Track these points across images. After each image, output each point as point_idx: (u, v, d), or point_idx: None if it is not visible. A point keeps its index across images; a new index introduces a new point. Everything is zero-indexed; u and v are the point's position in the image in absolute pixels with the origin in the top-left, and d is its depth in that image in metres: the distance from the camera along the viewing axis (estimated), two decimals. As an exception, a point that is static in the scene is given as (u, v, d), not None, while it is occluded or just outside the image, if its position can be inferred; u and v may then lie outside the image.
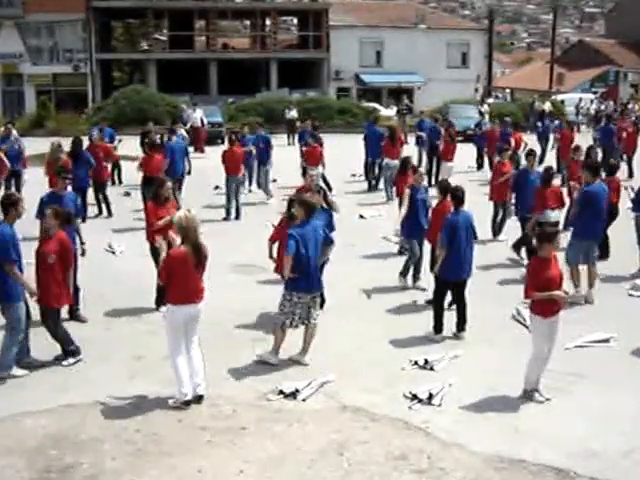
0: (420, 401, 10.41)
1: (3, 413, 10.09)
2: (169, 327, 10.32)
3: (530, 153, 18.66)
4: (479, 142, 32.06)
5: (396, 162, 24.20)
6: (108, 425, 9.80)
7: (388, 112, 51.27)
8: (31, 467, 8.88)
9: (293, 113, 44.56)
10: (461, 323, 13.04)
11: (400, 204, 15.86)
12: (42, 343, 11.44)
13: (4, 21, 59.78)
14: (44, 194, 14.40)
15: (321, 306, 12.33)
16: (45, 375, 10.00)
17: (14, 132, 27.71)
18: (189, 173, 23.25)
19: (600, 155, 26.19)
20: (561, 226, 15.36)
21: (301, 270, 11.38)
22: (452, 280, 12.95)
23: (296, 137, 34.41)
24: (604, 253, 16.58)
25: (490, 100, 58.38)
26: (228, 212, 22.10)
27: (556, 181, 18.05)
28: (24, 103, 59.61)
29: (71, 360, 11.51)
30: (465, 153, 31.96)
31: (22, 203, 11.26)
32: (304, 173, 16.99)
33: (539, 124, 36.98)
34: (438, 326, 12.94)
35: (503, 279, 15.11)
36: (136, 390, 10.63)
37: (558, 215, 15.80)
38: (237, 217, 22.18)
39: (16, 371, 11.04)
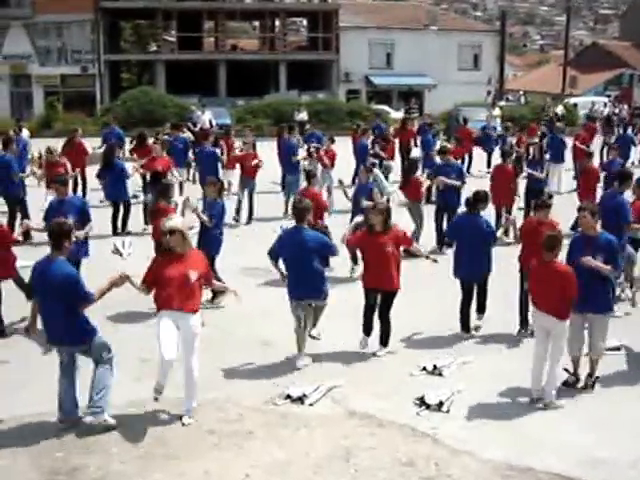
0: (428, 407, 10.38)
1: (8, 414, 10.09)
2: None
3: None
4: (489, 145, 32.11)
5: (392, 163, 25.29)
6: (115, 428, 9.77)
7: (398, 114, 51.20)
8: (38, 469, 8.89)
9: (302, 115, 44.44)
10: (480, 308, 13.50)
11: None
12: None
13: (12, 22, 59.93)
14: (54, 199, 14.53)
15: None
16: (50, 377, 9.95)
17: (24, 133, 27.81)
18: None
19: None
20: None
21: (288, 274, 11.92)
22: (460, 279, 13.34)
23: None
24: None
25: (502, 103, 58.20)
26: (238, 212, 22.00)
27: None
28: (32, 104, 59.71)
29: None
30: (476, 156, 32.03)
31: (74, 233, 10.11)
32: (308, 177, 16.88)
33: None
34: (462, 324, 13.24)
35: (514, 284, 14.98)
36: (142, 393, 10.57)
37: None
38: (249, 220, 22.13)
39: (108, 418, 9.83)
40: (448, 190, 18.82)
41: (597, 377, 11.19)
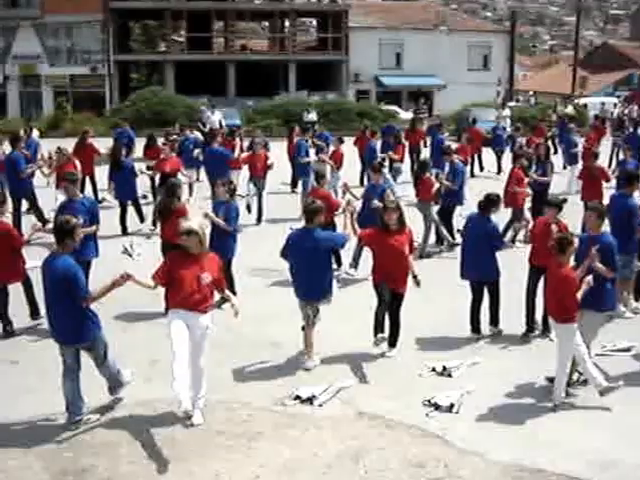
0: (438, 408, 10.36)
1: (19, 415, 10.10)
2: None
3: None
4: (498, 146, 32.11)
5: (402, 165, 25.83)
6: (124, 429, 9.80)
7: (408, 115, 51.15)
8: (47, 469, 8.90)
9: (312, 115, 44.42)
10: (492, 319, 13.27)
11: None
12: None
13: (22, 22, 60.05)
14: (65, 199, 14.55)
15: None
16: (59, 378, 9.95)
17: (34, 134, 27.80)
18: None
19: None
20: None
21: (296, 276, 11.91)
22: (468, 280, 13.36)
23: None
24: None
25: (512, 104, 58.10)
26: (248, 209, 22.04)
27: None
28: (42, 104, 59.82)
29: None
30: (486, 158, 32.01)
31: (79, 230, 10.21)
32: (317, 178, 16.88)
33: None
34: (472, 325, 13.20)
35: (522, 285, 14.96)
36: (152, 394, 10.61)
37: None
38: (259, 220, 22.16)
39: (126, 378, 10.57)
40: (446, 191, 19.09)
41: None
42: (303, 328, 11.90)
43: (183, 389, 9.46)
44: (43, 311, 12.63)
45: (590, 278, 10.53)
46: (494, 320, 13.26)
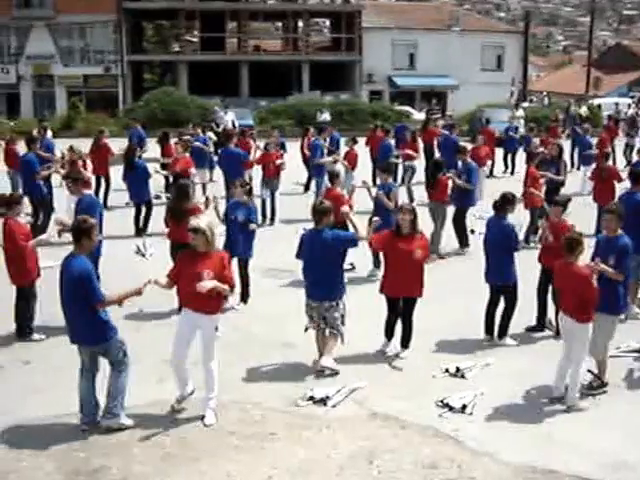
0: (451, 409, 10.34)
1: (31, 415, 10.11)
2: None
3: None
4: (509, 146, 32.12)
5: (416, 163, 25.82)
6: (136, 429, 9.78)
7: (421, 115, 51.10)
8: (60, 469, 8.90)
9: (325, 116, 44.41)
10: (500, 330, 13.02)
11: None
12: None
13: (35, 22, 60.28)
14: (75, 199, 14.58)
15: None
16: (72, 378, 9.95)
17: (48, 134, 27.83)
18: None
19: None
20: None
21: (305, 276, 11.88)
22: (489, 283, 13.17)
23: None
24: None
25: (525, 104, 57.96)
26: (263, 215, 21.95)
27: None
28: (55, 104, 59.95)
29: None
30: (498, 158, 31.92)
31: (95, 230, 10.05)
32: (331, 178, 16.83)
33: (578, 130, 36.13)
34: (486, 327, 13.08)
35: (532, 285, 14.89)
36: (165, 394, 10.57)
37: None
38: (272, 220, 22.19)
39: (125, 420, 9.94)
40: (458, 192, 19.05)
41: (605, 382, 11.13)
42: (306, 329, 11.85)
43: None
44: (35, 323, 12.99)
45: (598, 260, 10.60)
46: (502, 330, 13.01)
